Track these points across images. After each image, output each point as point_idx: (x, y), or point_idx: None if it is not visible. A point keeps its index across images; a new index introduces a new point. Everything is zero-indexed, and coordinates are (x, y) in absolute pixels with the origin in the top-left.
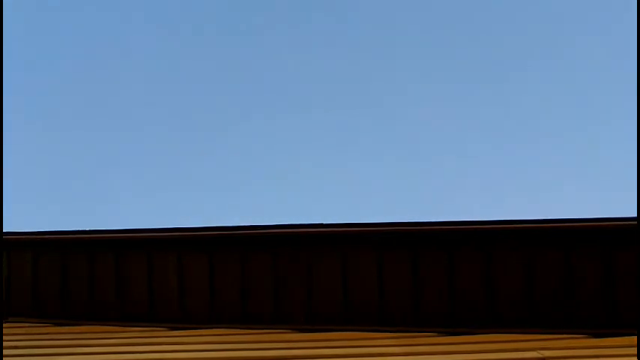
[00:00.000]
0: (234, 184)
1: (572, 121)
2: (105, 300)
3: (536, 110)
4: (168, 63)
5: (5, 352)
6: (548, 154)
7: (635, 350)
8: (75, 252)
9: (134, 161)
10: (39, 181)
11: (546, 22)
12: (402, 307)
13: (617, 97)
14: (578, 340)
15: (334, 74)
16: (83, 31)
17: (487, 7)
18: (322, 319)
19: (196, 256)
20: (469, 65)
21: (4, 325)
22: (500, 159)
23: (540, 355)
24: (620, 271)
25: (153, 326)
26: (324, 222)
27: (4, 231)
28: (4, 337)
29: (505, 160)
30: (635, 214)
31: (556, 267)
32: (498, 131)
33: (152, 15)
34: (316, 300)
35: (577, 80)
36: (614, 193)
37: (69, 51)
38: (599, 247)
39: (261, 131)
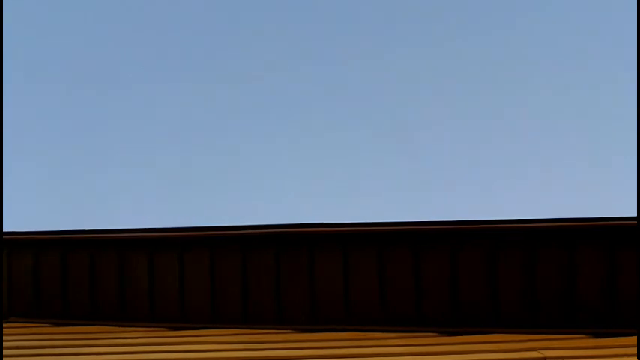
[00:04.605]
0: (234, 184)
1: (575, 120)
2: (105, 300)
3: (535, 110)
4: (170, 63)
5: (6, 352)
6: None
7: (635, 350)
8: (75, 252)
9: (135, 161)
10: (39, 181)
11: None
12: (404, 306)
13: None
14: (579, 340)
15: (333, 73)
16: (84, 30)
17: (479, 7)
18: (324, 319)
19: (197, 255)
20: (466, 65)
21: (5, 325)
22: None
23: (541, 355)
24: (620, 271)
25: (153, 326)
26: (325, 222)
27: (4, 231)
28: (5, 337)
29: (503, 161)
30: (635, 214)
31: (557, 267)
32: (497, 131)
33: (154, 14)
34: (317, 300)
35: (577, 80)
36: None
37: (71, 51)
38: (599, 246)
39: (258, 131)
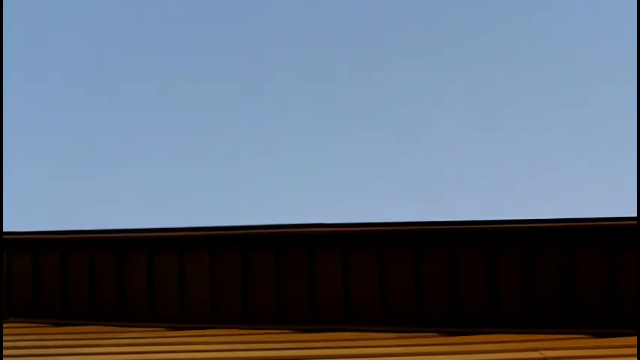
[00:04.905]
0: (233, 184)
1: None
2: (105, 300)
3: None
4: (169, 63)
5: (5, 352)
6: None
7: (635, 350)
8: (75, 251)
9: (135, 161)
10: (39, 181)
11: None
12: (404, 306)
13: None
14: (580, 340)
15: (332, 72)
16: (85, 30)
17: (482, 5)
18: (323, 319)
19: (197, 255)
20: (466, 65)
21: (5, 325)
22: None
23: (541, 356)
24: (620, 271)
25: (153, 326)
26: (325, 222)
27: (4, 231)
28: (5, 337)
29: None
30: (635, 214)
31: (557, 267)
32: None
33: (156, 13)
34: (317, 300)
35: (578, 80)
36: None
37: (70, 50)
38: (599, 246)
39: (256, 132)
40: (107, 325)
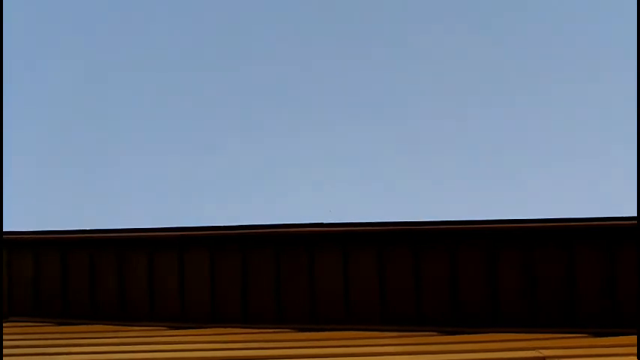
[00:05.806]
0: (234, 184)
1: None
2: (105, 300)
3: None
4: (168, 63)
5: (5, 351)
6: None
7: (635, 350)
8: (75, 251)
9: (134, 161)
10: (39, 181)
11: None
12: (404, 306)
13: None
14: (579, 340)
15: (332, 72)
16: (85, 28)
17: (485, 2)
18: (323, 319)
19: (197, 255)
20: (468, 64)
21: (5, 324)
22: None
23: (540, 355)
24: (620, 271)
25: (153, 326)
26: (325, 222)
27: (4, 231)
28: (5, 337)
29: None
30: (635, 214)
31: (556, 266)
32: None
33: (156, 13)
34: (317, 299)
35: (578, 79)
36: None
37: (70, 50)
38: (599, 246)
39: (257, 130)
40: (107, 325)
